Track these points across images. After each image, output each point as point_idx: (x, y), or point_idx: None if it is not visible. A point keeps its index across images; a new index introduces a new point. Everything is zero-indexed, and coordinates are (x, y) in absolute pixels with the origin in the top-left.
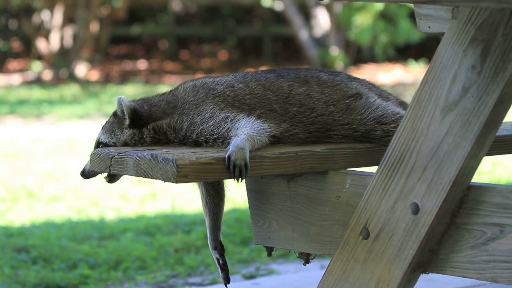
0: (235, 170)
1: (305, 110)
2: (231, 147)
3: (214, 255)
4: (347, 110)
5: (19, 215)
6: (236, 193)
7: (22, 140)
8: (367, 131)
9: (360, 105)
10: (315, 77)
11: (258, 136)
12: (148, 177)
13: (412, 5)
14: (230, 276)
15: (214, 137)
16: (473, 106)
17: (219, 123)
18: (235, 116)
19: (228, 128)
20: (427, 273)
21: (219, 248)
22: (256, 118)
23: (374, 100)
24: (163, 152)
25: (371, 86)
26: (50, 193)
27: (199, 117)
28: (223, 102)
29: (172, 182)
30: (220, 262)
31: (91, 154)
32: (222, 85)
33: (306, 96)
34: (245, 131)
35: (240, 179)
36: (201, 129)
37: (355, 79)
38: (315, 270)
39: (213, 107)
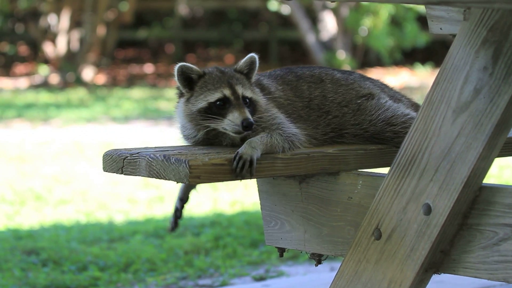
0: (239, 162)
1: (322, 114)
2: (244, 145)
3: (178, 204)
4: (358, 111)
5: (27, 218)
6: (244, 196)
7: (29, 143)
8: (377, 132)
9: (371, 105)
10: (329, 74)
11: (292, 139)
12: (161, 178)
13: (420, 8)
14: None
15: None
16: (485, 107)
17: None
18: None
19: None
20: (439, 274)
21: (186, 200)
22: (290, 122)
23: (385, 102)
24: (175, 153)
25: (384, 87)
26: (58, 196)
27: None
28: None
29: (185, 183)
30: (178, 211)
31: (103, 155)
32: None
33: (323, 98)
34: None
35: (241, 175)
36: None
37: (368, 79)
38: (325, 272)
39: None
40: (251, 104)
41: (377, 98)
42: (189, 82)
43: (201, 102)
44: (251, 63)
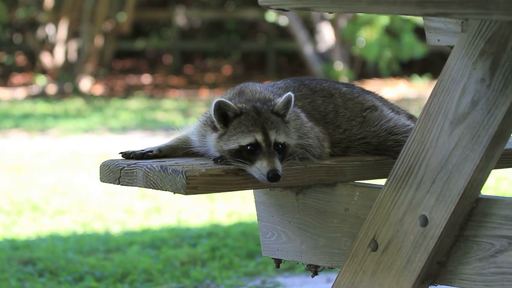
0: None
1: (335, 128)
2: None
3: (155, 151)
4: (363, 123)
5: (24, 228)
6: (241, 207)
7: (27, 154)
8: (380, 143)
9: (375, 117)
10: (337, 89)
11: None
12: (158, 189)
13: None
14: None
15: None
16: (482, 119)
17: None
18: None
19: None
20: (436, 285)
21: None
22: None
23: (387, 113)
24: (172, 164)
25: (384, 100)
26: (55, 206)
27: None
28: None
29: (182, 193)
30: (150, 155)
31: (100, 166)
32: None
33: (335, 112)
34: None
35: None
36: None
37: (369, 92)
38: (321, 283)
39: None
40: (283, 149)
41: (380, 110)
42: (224, 118)
43: (233, 144)
44: (288, 102)
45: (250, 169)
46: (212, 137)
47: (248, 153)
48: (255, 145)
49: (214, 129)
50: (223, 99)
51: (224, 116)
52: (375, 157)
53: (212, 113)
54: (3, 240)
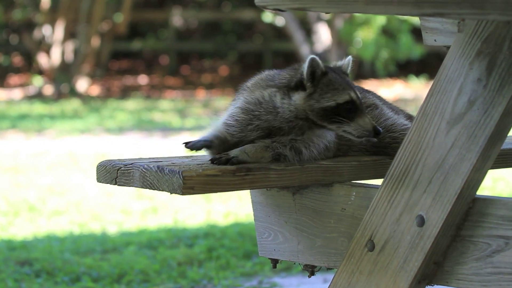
0: None
1: None
2: None
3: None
4: None
5: (21, 228)
6: (238, 208)
7: (24, 154)
8: (377, 140)
9: (374, 115)
10: None
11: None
12: (154, 189)
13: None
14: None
15: None
16: (479, 119)
17: None
18: None
19: None
20: (432, 285)
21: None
22: None
23: (387, 112)
24: (169, 164)
25: (383, 100)
26: (52, 207)
27: None
28: None
29: (179, 194)
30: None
31: (97, 166)
32: None
33: None
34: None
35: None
36: None
37: (369, 91)
38: (318, 284)
39: None
40: None
41: (380, 109)
42: (312, 77)
43: (328, 101)
44: (350, 61)
45: (349, 127)
46: (298, 97)
47: (345, 111)
48: (351, 103)
49: (301, 88)
50: (315, 56)
51: (312, 75)
52: (372, 157)
53: (305, 71)
54: (0, 240)
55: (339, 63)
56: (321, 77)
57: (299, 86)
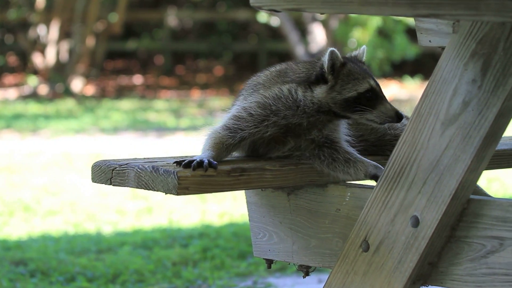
0: None
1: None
2: None
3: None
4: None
5: (16, 228)
6: (233, 208)
7: (18, 154)
8: (377, 139)
9: None
10: None
11: None
12: (149, 189)
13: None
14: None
15: None
16: (473, 120)
17: None
18: None
19: None
20: (427, 286)
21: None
22: None
23: None
24: (164, 164)
25: None
26: (47, 207)
27: None
28: None
29: (173, 194)
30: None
31: (92, 166)
32: None
33: None
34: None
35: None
36: None
37: None
38: (313, 284)
39: None
40: None
41: None
42: (332, 69)
43: (350, 92)
44: (364, 51)
45: (371, 114)
46: (320, 91)
47: (367, 99)
48: (372, 91)
49: (322, 81)
50: (335, 49)
51: (332, 67)
52: (368, 157)
53: (326, 64)
54: None
55: (354, 53)
56: (340, 68)
57: (319, 79)
